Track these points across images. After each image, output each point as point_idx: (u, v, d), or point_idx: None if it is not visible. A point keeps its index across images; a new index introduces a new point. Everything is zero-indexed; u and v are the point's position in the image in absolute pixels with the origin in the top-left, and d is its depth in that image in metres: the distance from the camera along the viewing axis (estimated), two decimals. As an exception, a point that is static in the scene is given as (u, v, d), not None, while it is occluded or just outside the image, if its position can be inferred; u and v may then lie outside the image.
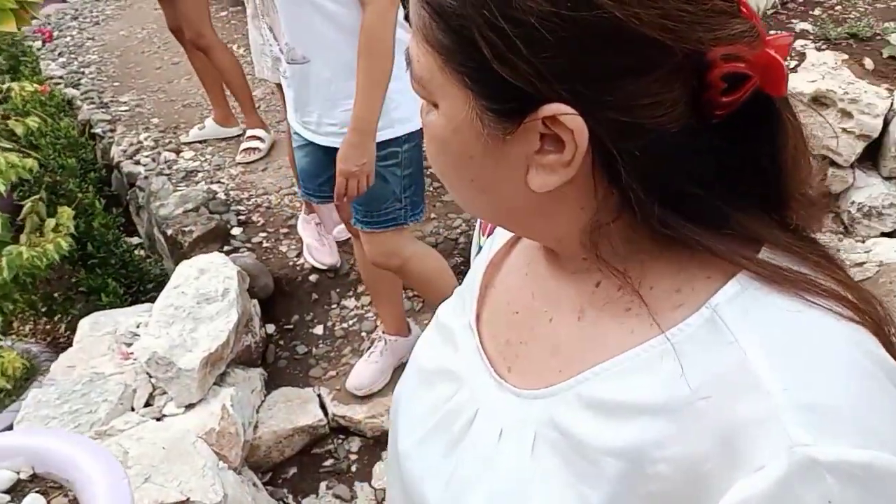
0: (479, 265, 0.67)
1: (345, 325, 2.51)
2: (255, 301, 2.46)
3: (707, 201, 0.46)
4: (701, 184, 0.45)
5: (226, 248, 2.66)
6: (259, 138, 3.27)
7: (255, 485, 2.05)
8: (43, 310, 3.25)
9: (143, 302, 2.82)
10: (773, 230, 0.48)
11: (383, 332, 2.29)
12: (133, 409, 2.04)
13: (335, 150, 1.76)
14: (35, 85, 2.84)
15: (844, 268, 0.50)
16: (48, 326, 3.44)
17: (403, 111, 1.77)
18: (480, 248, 0.72)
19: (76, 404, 2.00)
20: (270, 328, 2.53)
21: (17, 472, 1.14)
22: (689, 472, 0.43)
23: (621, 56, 0.42)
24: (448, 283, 2.04)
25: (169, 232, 2.70)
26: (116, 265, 3.01)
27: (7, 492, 1.11)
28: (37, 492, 1.11)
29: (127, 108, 4.01)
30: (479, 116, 0.46)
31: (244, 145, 3.28)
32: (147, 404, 2.08)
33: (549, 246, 0.55)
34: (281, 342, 2.49)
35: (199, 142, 3.43)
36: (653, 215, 0.45)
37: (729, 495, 0.41)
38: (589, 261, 0.51)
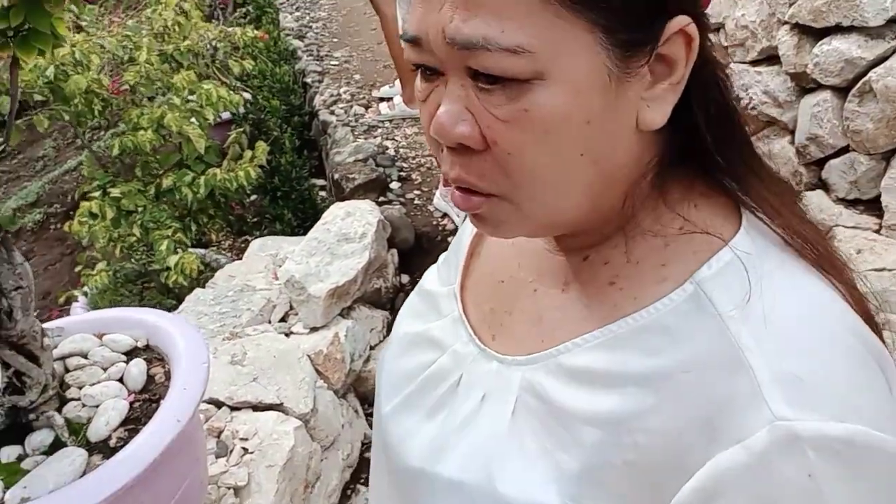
0: (466, 232, 0.66)
1: (471, 288, 2.62)
2: (393, 251, 2.65)
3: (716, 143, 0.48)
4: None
5: (381, 198, 2.88)
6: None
7: (356, 411, 2.26)
8: (236, 229, 3.75)
9: (309, 236, 3.17)
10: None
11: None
12: (269, 322, 2.34)
13: None
14: (255, 32, 3.26)
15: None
16: (242, 244, 3.97)
17: None
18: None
19: (225, 308, 2.34)
20: (405, 278, 2.71)
21: (136, 340, 1.40)
22: (667, 444, 0.43)
23: None
24: None
25: (336, 176, 2.98)
26: (296, 199, 3.39)
27: (125, 353, 1.38)
28: (144, 359, 1.36)
29: (337, 62, 4.42)
30: (608, 58, 0.42)
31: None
32: (282, 320, 2.36)
33: (581, 227, 0.50)
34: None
35: (387, 98, 3.69)
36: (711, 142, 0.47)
37: (707, 466, 0.40)
38: (585, 237, 0.51)
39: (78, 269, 3.04)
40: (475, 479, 0.50)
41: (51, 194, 7.18)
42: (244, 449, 1.70)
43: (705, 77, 0.47)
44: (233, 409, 1.82)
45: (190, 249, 2.96)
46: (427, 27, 0.43)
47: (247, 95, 3.47)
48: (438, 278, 0.67)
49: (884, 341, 0.46)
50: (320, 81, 4.15)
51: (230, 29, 3.19)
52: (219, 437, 1.72)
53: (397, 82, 3.75)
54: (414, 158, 3.19)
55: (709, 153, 0.48)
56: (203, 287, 2.44)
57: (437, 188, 2.92)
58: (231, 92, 3.00)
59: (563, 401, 0.48)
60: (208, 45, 2.99)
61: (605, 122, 0.43)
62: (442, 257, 0.71)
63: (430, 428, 0.56)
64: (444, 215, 2.83)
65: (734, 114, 0.49)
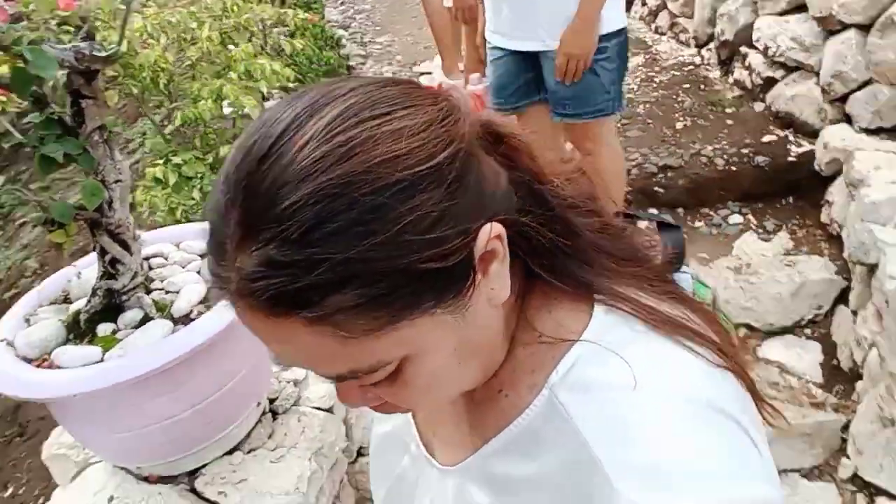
0: None
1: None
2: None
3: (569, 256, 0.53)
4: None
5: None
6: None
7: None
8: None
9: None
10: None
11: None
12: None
13: (531, 55, 2.15)
14: (306, 14, 3.47)
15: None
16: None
17: (609, 12, 2.06)
18: None
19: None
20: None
21: (208, 245, 1.60)
22: None
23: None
24: (621, 189, 2.28)
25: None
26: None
27: (199, 256, 1.57)
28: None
29: (380, 46, 4.62)
30: (449, 312, 0.47)
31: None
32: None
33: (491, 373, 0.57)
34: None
35: (427, 73, 3.87)
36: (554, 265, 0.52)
37: None
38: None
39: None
40: None
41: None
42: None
43: (536, 197, 0.51)
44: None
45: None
46: (323, 372, 0.48)
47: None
48: None
49: (749, 373, 0.51)
50: (363, 63, 4.35)
51: (283, 10, 3.39)
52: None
53: (437, 57, 3.92)
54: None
55: (558, 267, 0.53)
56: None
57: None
58: (284, 67, 3.20)
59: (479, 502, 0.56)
60: (263, 25, 3.20)
61: (466, 334, 0.49)
62: None
63: None
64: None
65: (572, 221, 0.53)
